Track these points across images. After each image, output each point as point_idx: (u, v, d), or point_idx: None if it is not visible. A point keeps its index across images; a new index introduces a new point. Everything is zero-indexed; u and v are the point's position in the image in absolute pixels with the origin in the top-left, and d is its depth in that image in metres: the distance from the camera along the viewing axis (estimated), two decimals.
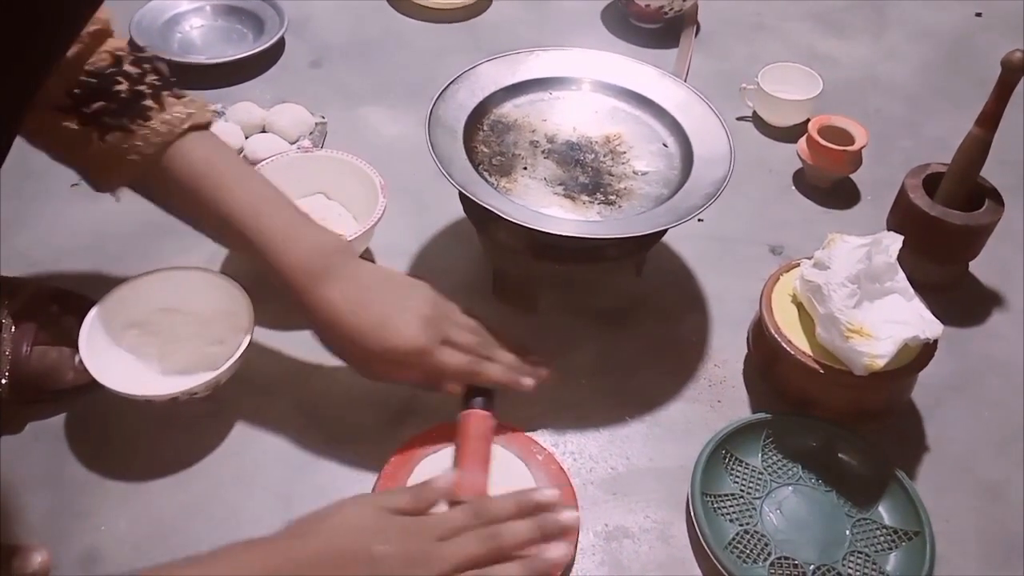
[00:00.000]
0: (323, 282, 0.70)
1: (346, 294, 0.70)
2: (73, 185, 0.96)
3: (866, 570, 0.70)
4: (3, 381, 0.74)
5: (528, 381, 0.76)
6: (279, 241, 0.70)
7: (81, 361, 0.73)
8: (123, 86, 0.68)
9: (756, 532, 0.72)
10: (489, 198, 0.78)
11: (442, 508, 0.66)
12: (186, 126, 0.70)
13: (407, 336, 0.70)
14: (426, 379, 0.73)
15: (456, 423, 0.74)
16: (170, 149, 0.69)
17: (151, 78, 0.71)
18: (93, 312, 0.76)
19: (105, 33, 0.69)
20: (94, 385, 0.73)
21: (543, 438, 0.79)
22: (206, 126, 0.73)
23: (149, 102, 0.69)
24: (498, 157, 0.86)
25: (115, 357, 0.76)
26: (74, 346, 0.74)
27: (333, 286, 0.70)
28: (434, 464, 0.73)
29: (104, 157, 0.69)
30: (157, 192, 0.73)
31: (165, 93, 0.71)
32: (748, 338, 0.86)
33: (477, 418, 0.73)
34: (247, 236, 0.70)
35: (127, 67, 0.69)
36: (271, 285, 0.72)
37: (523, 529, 0.64)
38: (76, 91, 0.67)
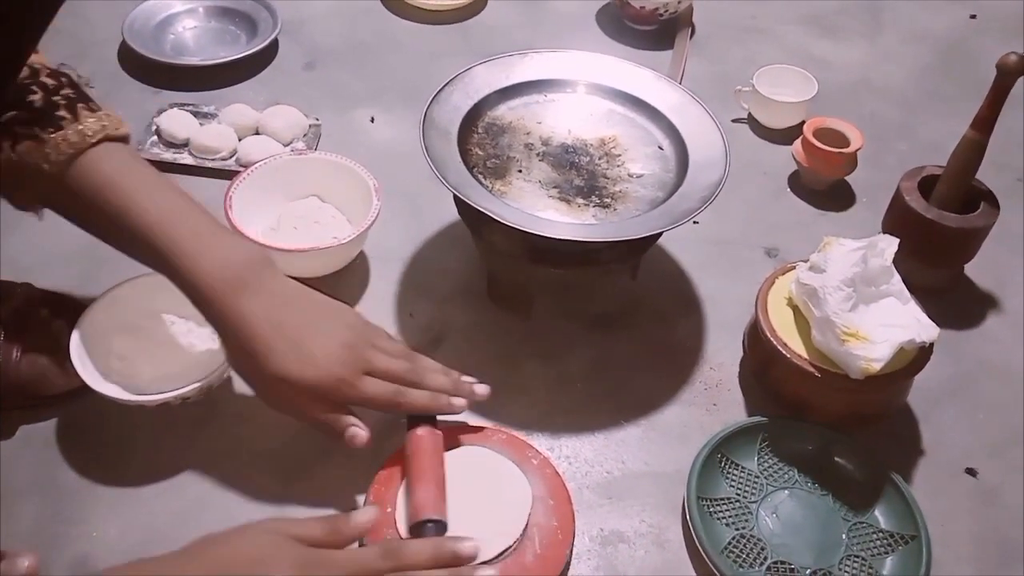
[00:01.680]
0: (240, 293, 0.66)
1: (264, 309, 0.66)
2: None
3: (862, 574, 0.70)
4: None
5: (459, 402, 0.73)
6: (191, 248, 0.66)
7: (72, 366, 0.72)
8: (37, 95, 0.66)
9: (752, 536, 0.72)
10: (484, 201, 0.78)
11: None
12: (99, 137, 0.67)
13: (325, 364, 0.67)
14: (331, 421, 0.69)
15: (403, 446, 0.72)
16: (81, 159, 0.67)
17: (66, 91, 0.68)
18: (84, 316, 0.75)
19: None
20: (85, 390, 0.72)
21: (538, 442, 0.78)
22: (121, 139, 0.70)
23: (63, 112, 0.67)
24: (493, 160, 0.86)
25: (106, 362, 0.76)
26: (65, 351, 0.73)
27: (251, 299, 0.66)
28: None
29: (15, 168, 0.66)
30: (70, 206, 0.70)
31: (80, 105, 0.68)
32: (744, 341, 0.86)
33: (423, 435, 0.71)
34: (157, 245, 0.66)
35: (43, 78, 0.67)
36: (191, 301, 0.68)
37: None
38: None
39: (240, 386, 0.80)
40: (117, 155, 0.69)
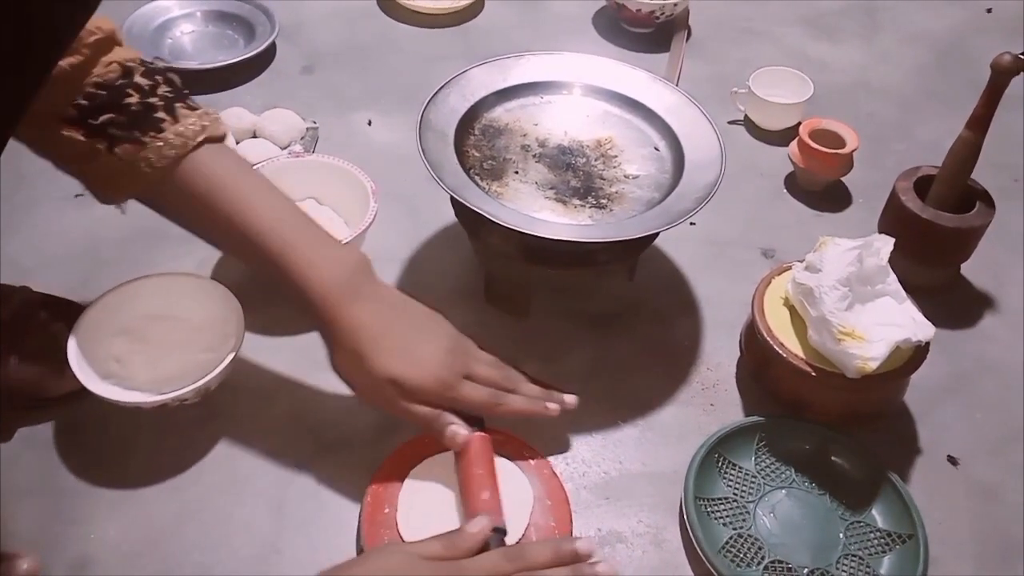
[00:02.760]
0: (352, 301, 0.69)
1: (373, 314, 0.69)
2: (77, 196, 0.96)
3: (860, 573, 0.70)
4: None
5: (553, 406, 0.75)
6: (305, 256, 0.68)
7: (70, 368, 0.72)
8: (134, 98, 0.66)
9: (750, 536, 0.72)
10: (480, 202, 0.78)
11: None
12: (200, 139, 0.68)
13: (429, 366, 0.69)
14: (432, 418, 0.70)
15: (462, 449, 0.71)
16: (184, 162, 0.67)
17: (163, 90, 0.68)
18: (81, 319, 0.76)
19: (110, 42, 0.67)
20: (83, 392, 0.72)
21: (535, 443, 0.78)
22: (221, 139, 0.71)
23: (161, 114, 0.67)
24: (489, 161, 0.86)
25: (104, 364, 0.76)
26: (64, 354, 0.73)
27: (362, 306, 0.69)
28: (427, 471, 0.73)
29: (113, 169, 0.67)
30: (169, 206, 0.71)
31: (178, 105, 0.68)
32: (741, 341, 0.86)
33: (479, 441, 0.71)
34: (270, 253, 0.68)
35: (138, 78, 0.67)
36: (293, 303, 0.70)
37: None
38: (82, 102, 0.65)
39: (239, 386, 0.80)
40: (219, 157, 0.70)
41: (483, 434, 0.71)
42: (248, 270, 0.79)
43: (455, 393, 0.70)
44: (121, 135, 0.66)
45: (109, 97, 0.66)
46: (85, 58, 0.65)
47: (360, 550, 0.69)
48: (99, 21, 0.66)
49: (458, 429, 0.70)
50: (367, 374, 0.69)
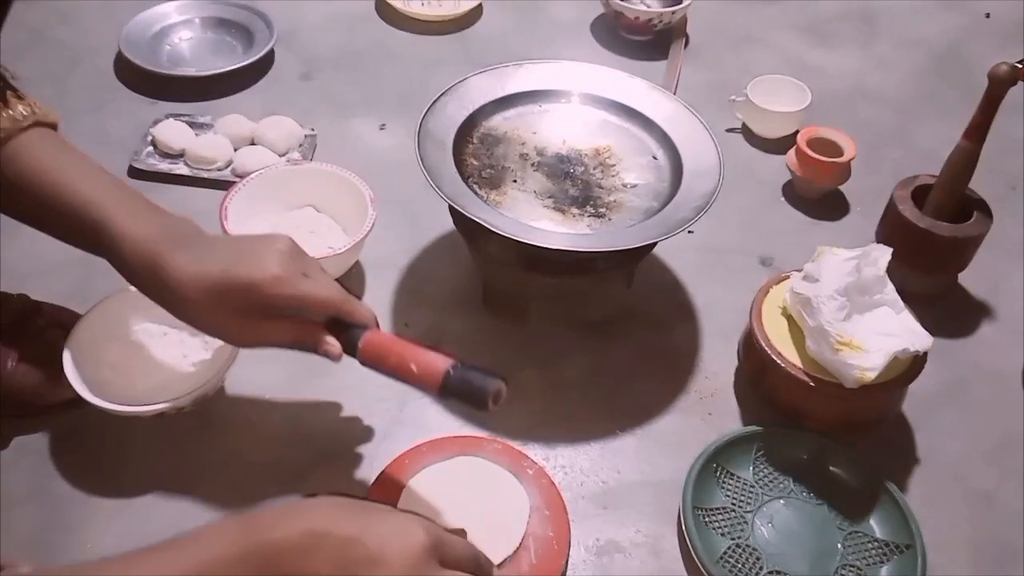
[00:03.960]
0: (175, 250, 0.65)
1: (198, 254, 0.65)
2: None
3: None
4: None
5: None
6: (128, 220, 0.66)
7: (66, 376, 0.72)
8: None
9: (748, 546, 0.72)
10: (479, 211, 0.78)
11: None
12: (29, 122, 0.68)
13: (263, 267, 0.64)
14: (297, 331, 0.67)
15: (365, 351, 0.66)
16: (13, 142, 0.67)
17: None
18: (77, 327, 0.75)
19: None
20: (80, 400, 0.72)
21: (533, 452, 0.78)
22: (52, 126, 0.71)
23: None
24: (488, 170, 0.86)
25: (99, 372, 0.75)
26: (59, 361, 0.73)
27: (184, 253, 0.65)
28: (426, 479, 0.73)
29: None
30: (1, 191, 0.70)
31: (8, 92, 0.69)
32: (739, 350, 0.86)
33: (376, 333, 0.67)
34: (92, 220, 0.66)
35: None
36: (122, 272, 0.67)
37: None
38: None
39: (235, 395, 0.80)
40: (49, 139, 0.70)
41: (373, 330, 0.67)
42: None
43: (297, 289, 0.65)
44: None
45: None
46: None
47: None
48: None
49: (331, 346, 0.66)
50: (206, 305, 0.65)
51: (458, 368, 0.63)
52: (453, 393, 0.62)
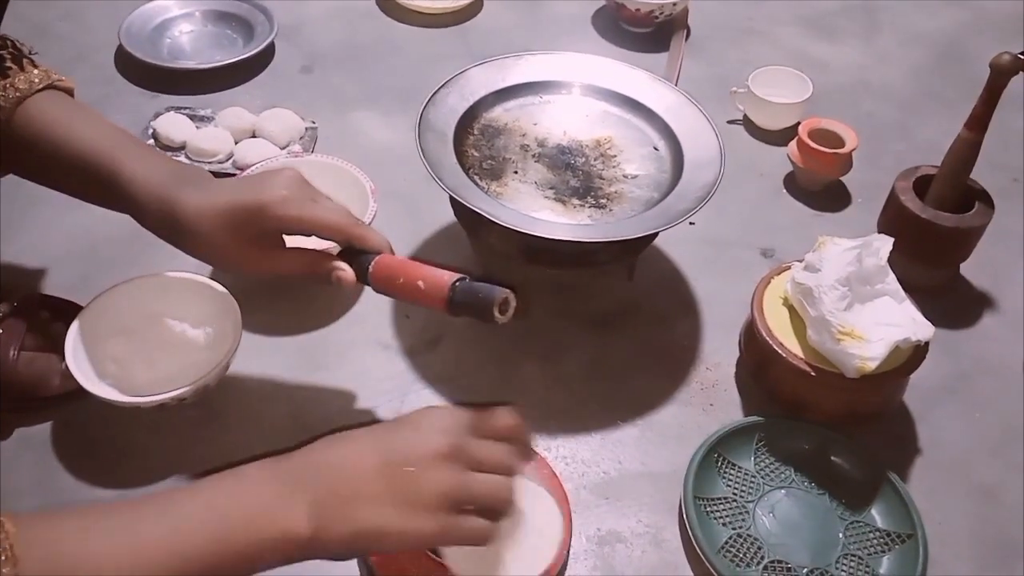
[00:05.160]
0: (186, 188, 0.67)
1: (209, 191, 0.67)
2: None
3: (859, 573, 0.70)
4: None
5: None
6: (139, 164, 0.68)
7: (68, 368, 0.72)
8: None
9: (749, 536, 0.72)
10: (480, 202, 0.78)
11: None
12: (45, 84, 0.72)
13: (271, 191, 0.66)
14: (309, 259, 0.69)
15: (375, 275, 0.67)
16: (28, 102, 0.70)
17: (11, 50, 0.72)
18: (79, 319, 0.75)
19: None
20: (82, 392, 0.72)
21: (535, 443, 0.78)
22: (67, 91, 0.74)
23: (9, 64, 0.71)
24: (488, 161, 0.86)
25: (102, 364, 0.76)
26: (62, 352, 0.73)
27: (196, 191, 0.67)
28: None
29: None
30: (14, 149, 0.72)
31: (25, 60, 0.72)
32: (740, 341, 0.86)
33: (386, 257, 0.68)
34: (106, 169, 0.68)
35: None
36: (132, 214, 0.69)
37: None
38: None
39: (237, 386, 0.80)
40: (61, 98, 0.73)
41: (386, 255, 0.68)
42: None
43: (307, 210, 0.66)
44: None
45: None
46: None
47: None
48: None
49: (343, 272, 0.67)
50: (217, 236, 0.66)
51: (464, 280, 0.63)
52: (460, 306, 0.63)
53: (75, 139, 0.70)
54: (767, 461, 0.78)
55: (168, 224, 0.67)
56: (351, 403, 0.81)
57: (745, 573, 0.70)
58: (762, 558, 0.71)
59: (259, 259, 0.69)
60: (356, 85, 1.19)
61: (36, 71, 0.73)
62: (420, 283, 0.64)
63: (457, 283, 0.63)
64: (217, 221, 0.66)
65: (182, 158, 1.03)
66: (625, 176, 0.87)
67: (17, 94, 0.70)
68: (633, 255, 0.87)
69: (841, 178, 1.07)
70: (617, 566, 0.71)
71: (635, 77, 0.94)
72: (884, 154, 1.14)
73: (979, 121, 0.87)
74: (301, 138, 1.07)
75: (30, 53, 0.74)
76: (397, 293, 0.67)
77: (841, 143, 1.04)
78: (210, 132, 1.05)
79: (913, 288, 0.80)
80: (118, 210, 0.70)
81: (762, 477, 0.76)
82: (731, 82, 1.18)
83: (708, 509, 0.73)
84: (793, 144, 1.07)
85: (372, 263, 0.67)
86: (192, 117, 1.08)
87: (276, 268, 0.70)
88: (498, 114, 0.91)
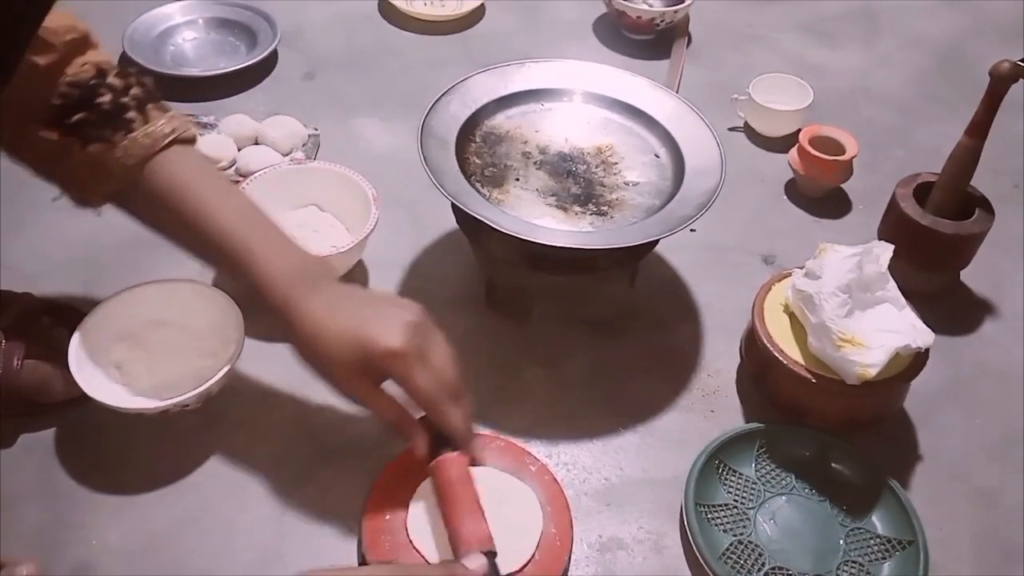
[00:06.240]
0: (309, 293, 0.67)
1: (330, 303, 0.67)
2: (54, 199, 0.96)
3: None
4: None
5: (482, 453, 0.72)
6: (265, 255, 0.68)
7: (71, 374, 0.72)
8: (106, 98, 0.67)
9: (750, 542, 0.72)
10: (481, 209, 0.78)
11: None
12: (169, 140, 0.69)
13: (387, 335, 0.65)
14: (400, 415, 0.68)
15: (432, 471, 0.68)
16: (152, 162, 0.68)
17: (136, 91, 0.69)
18: (82, 325, 0.76)
19: (84, 43, 0.68)
20: (85, 398, 0.72)
21: (536, 449, 0.79)
22: (190, 141, 0.72)
23: (132, 114, 0.68)
24: (490, 168, 0.87)
25: (105, 370, 0.76)
26: (65, 359, 0.74)
27: (318, 297, 0.67)
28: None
29: (85, 169, 0.68)
30: (139, 206, 0.71)
31: (150, 106, 0.70)
32: (741, 348, 0.86)
33: (453, 462, 0.67)
34: (231, 250, 0.68)
35: (111, 79, 0.68)
36: (257, 302, 0.69)
37: None
38: (57, 102, 0.66)
39: (240, 393, 0.80)
40: (187, 158, 0.71)
41: (454, 455, 0.67)
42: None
43: (408, 366, 0.65)
44: (93, 134, 0.67)
45: (82, 96, 0.67)
46: (60, 56, 0.66)
47: (361, 556, 0.69)
48: (74, 22, 0.68)
49: (421, 443, 0.68)
50: (328, 357, 0.66)
51: (494, 557, 0.63)
52: None
53: (202, 214, 0.68)
54: (768, 467, 0.78)
55: (283, 326, 0.68)
56: (353, 409, 0.81)
57: None
58: (763, 565, 0.71)
59: (355, 388, 0.68)
60: (358, 92, 1.20)
61: (161, 120, 0.69)
62: (455, 527, 0.65)
63: (487, 555, 0.63)
64: (326, 344, 0.66)
65: None
66: (626, 183, 0.87)
67: (141, 152, 0.68)
68: (634, 262, 0.87)
69: (842, 185, 1.07)
70: (618, 572, 0.72)
71: (636, 84, 0.94)
72: (884, 161, 1.14)
73: (979, 128, 0.87)
74: (304, 145, 1.07)
75: (156, 92, 0.71)
76: (440, 495, 0.68)
77: (842, 150, 1.05)
78: (213, 139, 1.05)
79: (913, 294, 0.80)
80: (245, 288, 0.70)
81: (763, 483, 0.77)
82: (732, 89, 1.18)
83: (709, 516, 0.73)
84: (794, 151, 1.07)
85: (437, 460, 0.67)
86: (195, 124, 1.08)
87: (367, 402, 0.69)
88: (500, 121, 0.91)
